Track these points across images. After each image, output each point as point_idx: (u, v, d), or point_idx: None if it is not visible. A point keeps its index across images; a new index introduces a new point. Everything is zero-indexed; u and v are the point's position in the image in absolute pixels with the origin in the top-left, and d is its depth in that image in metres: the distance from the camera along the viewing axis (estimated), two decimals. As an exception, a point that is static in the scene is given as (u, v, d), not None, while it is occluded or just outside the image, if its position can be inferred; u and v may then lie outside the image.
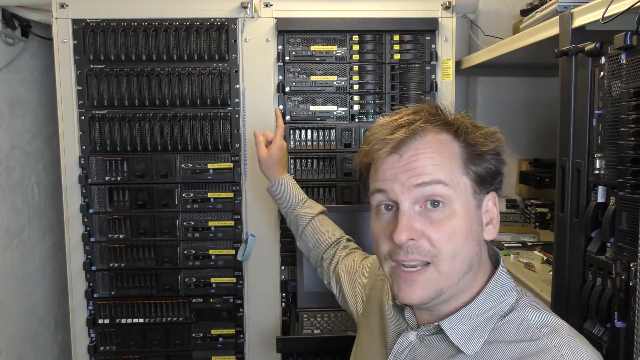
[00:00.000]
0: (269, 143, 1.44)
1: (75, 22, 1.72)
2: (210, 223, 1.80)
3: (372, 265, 1.16)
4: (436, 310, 0.83)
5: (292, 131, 1.79)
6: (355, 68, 1.78)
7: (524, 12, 1.67)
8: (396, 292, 0.81)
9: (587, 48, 1.06)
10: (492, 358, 0.76)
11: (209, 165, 1.78)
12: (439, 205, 0.77)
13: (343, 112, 1.81)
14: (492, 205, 0.84)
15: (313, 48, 1.78)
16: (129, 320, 1.81)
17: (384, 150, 0.79)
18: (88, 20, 1.72)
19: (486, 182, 0.81)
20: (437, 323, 0.81)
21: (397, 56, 1.78)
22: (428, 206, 0.77)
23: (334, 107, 1.80)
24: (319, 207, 1.40)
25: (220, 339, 1.84)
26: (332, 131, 1.80)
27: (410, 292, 0.79)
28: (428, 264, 0.78)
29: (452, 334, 0.79)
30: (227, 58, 1.75)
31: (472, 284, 0.82)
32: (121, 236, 1.79)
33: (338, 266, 1.26)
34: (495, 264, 0.87)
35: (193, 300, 1.81)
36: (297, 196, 1.40)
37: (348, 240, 1.34)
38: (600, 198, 1.05)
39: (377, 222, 0.83)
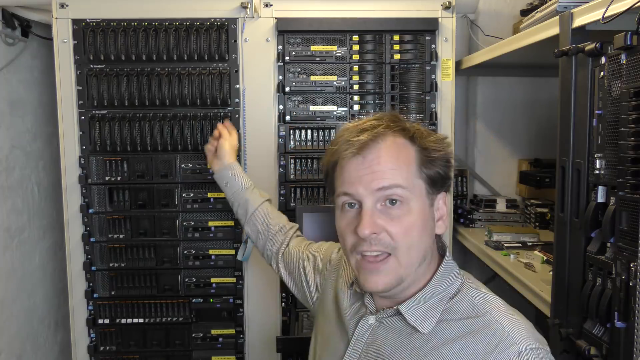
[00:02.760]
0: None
1: (75, 22, 1.72)
2: (210, 223, 1.80)
3: (325, 256, 1.21)
4: (397, 296, 0.94)
5: (292, 131, 1.79)
6: (355, 68, 1.78)
7: (524, 12, 1.66)
8: (363, 282, 0.91)
9: (587, 48, 1.06)
10: (444, 334, 0.88)
11: (209, 165, 1.77)
12: (397, 204, 0.88)
13: (343, 112, 1.81)
14: (442, 204, 0.95)
15: (313, 48, 1.78)
16: (129, 320, 1.81)
17: (349, 151, 0.89)
18: (88, 20, 1.72)
19: (437, 184, 0.92)
20: (395, 307, 0.92)
21: (397, 56, 1.78)
22: (387, 204, 0.88)
23: (334, 107, 1.80)
24: (266, 195, 1.48)
25: (220, 339, 1.84)
26: (332, 131, 1.80)
27: (376, 280, 0.89)
28: (389, 255, 0.88)
29: (409, 316, 0.90)
30: (227, 58, 1.75)
31: (426, 272, 0.94)
32: (121, 236, 1.79)
33: (285, 253, 1.32)
34: (442, 254, 0.98)
35: (193, 300, 1.81)
36: (246, 181, 1.47)
37: (292, 227, 1.39)
38: (600, 198, 1.05)
39: (343, 219, 0.92)
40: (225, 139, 1.53)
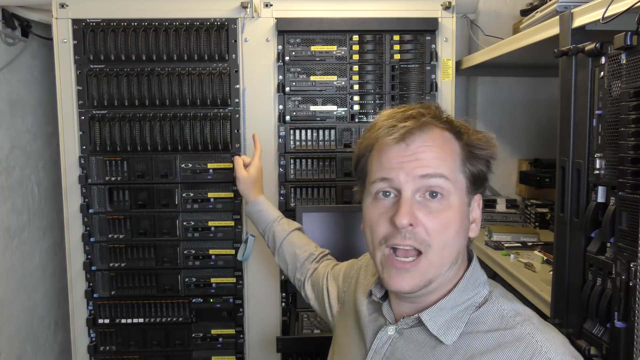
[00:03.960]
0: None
1: (75, 22, 1.72)
2: (210, 223, 1.80)
3: (346, 269, 1.19)
4: (419, 302, 0.87)
5: (292, 131, 1.79)
6: (355, 68, 1.78)
7: (524, 12, 1.66)
8: (387, 280, 0.84)
9: (587, 48, 1.06)
10: (471, 347, 0.81)
11: (209, 165, 1.78)
12: (438, 197, 0.82)
13: (343, 112, 1.81)
14: (476, 206, 0.90)
15: (313, 48, 1.78)
16: (129, 320, 1.81)
17: (392, 137, 0.82)
18: (88, 20, 1.72)
19: (477, 182, 0.88)
20: (417, 315, 0.85)
21: (397, 56, 1.78)
22: (427, 196, 0.82)
23: (334, 107, 1.80)
24: (295, 224, 1.45)
25: (220, 339, 1.84)
26: (332, 131, 1.80)
27: (401, 280, 0.83)
28: (420, 253, 0.82)
29: (431, 325, 0.84)
30: (227, 58, 1.75)
31: (454, 277, 0.87)
32: (121, 236, 1.79)
33: (313, 276, 1.29)
34: (469, 260, 0.92)
35: (193, 300, 1.81)
36: (273, 214, 1.46)
37: (321, 253, 1.36)
38: (600, 198, 1.05)
39: (375, 207, 0.86)
40: (241, 180, 1.51)
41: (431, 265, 0.82)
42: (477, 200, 0.90)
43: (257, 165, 1.53)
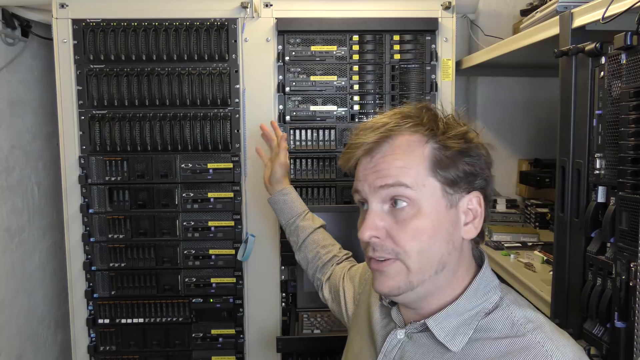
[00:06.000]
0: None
1: (75, 22, 1.72)
2: (210, 223, 1.80)
3: (362, 271, 1.19)
4: (420, 309, 0.86)
5: (292, 131, 1.79)
6: (355, 68, 1.78)
7: (524, 12, 1.67)
8: (373, 282, 0.86)
9: (587, 48, 1.06)
10: (479, 355, 0.78)
11: (209, 165, 1.78)
12: (403, 205, 0.80)
13: (343, 112, 1.81)
14: (475, 204, 0.84)
15: (313, 48, 1.78)
16: (129, 320, 1.81)
17: (358, 153, 0.85)
18: (88, 20, 1.72)
19: (459, 183, 0.82)
20: (423, 321, 0.84)
21: (397, 56, 1.78)
22: (395, 205, 0.81)
23: (334, 107, 1.80)
24: (320, 221, 1.42)
25: (220, 339, 1.84)
26: (332, 131, 1.80)
27: (382, 282, 0.83)
28: (397, 259, 0.81)
29: (437, 332, 0.82)
30: (227, 58, 1.75)
31: (453, 282, 0.84)
32: (121, 236, 1.79)
33: (331, 278, 1.28)
34: (480, 264, 0.89)
35: (193, 300, 1.81)
36: (299, 207, 1.43)
37: (345, 255, 1.35)
38: (600, 198, 1.05)
39: (360, 218, 0.87)
40: (276, 162, 1.48)
41: (409, 270, 0.81)
42: (476, 198, 0.84)
43: (282, 160, 1.50)
